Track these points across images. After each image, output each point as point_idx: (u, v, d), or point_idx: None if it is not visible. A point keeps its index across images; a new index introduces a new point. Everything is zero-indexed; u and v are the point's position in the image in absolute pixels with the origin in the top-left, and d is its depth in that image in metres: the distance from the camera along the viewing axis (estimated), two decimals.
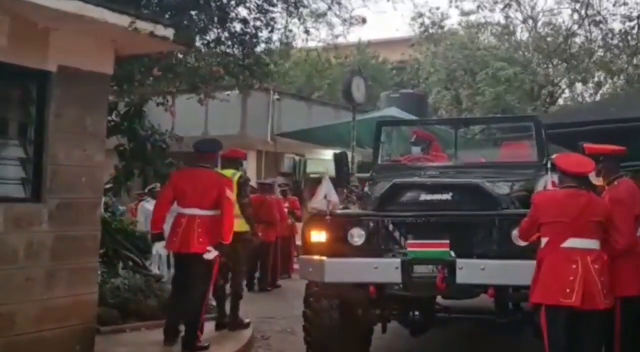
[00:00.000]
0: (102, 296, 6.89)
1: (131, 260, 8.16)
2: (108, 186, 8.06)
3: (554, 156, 5.56)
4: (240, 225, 7.48)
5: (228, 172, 7.78)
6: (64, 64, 5.75)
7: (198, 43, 7.60)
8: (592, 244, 4.69)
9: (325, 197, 5.88)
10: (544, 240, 4.80)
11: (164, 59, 7.44)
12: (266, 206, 11.41)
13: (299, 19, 8.64)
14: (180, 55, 7.90)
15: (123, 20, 5.60)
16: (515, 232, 5.32)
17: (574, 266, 4.58)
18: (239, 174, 7.91)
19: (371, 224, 5.80)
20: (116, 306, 7.32)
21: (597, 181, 5.36)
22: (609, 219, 4.80)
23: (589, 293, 4.53)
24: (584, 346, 4.70)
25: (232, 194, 6.81)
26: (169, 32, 5.91)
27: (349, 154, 11.04)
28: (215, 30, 7.67)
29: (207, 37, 7.68)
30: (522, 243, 5.21)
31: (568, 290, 4.53)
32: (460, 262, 5.36)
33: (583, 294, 4.51)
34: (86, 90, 5.94)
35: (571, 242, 4.66)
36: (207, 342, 6.67)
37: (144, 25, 5.69)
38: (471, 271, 5.34)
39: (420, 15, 23.88)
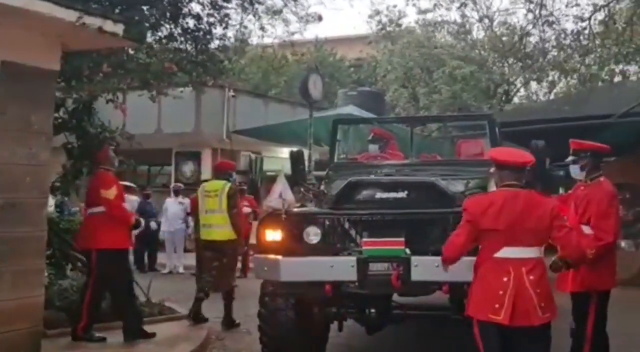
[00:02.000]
0: (49, 299, 6.74)
1: (80, 261, 7.97)
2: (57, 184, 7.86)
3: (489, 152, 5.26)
4: (227, 234, 8.17)
5: (219, 184, 8.39)
6: (8, 59, 5.56)
7: (149, 39, 7.47)
8: (530, 252, 4.24)
9: (281, 195, 5.83)
10: (480, 247, 4.44)
11: (114, 55, 7.29)
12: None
13: (254, 16, 8.59)
14: (131, 51, 7.76)
15: (70, 15, 5.45)
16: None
17: (505, 279, 4.15)
18: (229, 185, 8.37)
19: (327, 223, 5.76)
20: (64, 308, 7.16)
21: (580, 175, 5.41)
22: (555, 223, 4.29)
23: (521, 309, 4.11)
24: None
25: (108, 193, 6.85)
26: (119, 28, 5.78)
27: (306, 152, 10.98)
28: (167, 26, 7.56)
29: (159, 33, 7.56)
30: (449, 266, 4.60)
31: (497, 305, 4.14)
32: (415, 259, 5.36)
33: (513, 309, 4.10)
34: (31, 86, 5.76)
35: (505, 252, 4.21)
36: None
37: (92, 21, 5.56)
38: (426, 268, 5.34)
39: (378, 13, 24.00)
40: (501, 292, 4.13)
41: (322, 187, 6.87)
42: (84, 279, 7.19)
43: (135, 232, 7.25)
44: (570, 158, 5.52)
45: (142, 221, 7.17)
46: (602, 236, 5.10)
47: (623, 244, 12.49)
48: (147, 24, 7.07)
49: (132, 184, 11.79)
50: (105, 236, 6.77)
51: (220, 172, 8.72)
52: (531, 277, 4.16)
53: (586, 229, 5.22)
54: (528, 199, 4.30)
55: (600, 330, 5.15)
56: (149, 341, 6.91)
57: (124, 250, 7.11)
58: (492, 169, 4.54)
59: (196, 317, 8.03)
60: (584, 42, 17.69)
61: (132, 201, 12.39)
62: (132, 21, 6.27)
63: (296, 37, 16.10)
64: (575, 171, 5.46)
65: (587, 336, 5.14)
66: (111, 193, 6.82)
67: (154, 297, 8.55)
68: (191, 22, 7.78)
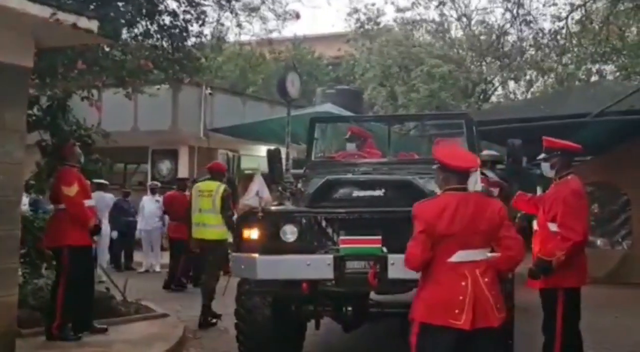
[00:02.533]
0: (24, 298, 6.68)
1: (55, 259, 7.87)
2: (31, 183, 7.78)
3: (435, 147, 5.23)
4: (217, 234, 8.36)
5: (213, 184, 8.52)
6: None
7: (125, 36, 7.41)
8: (481, 254, 4.21)
9: (257, 193, 5.82)
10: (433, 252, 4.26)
11: (89, 52, 7.22)
12: (177, 203, 11.43)
13: (232, 13, 8.54)
14: (106, 48, 7.67)
15: (44, 11, 5.39)
16: None
17: (464, 283, 4.09)
18: (223, 187, 8.49)
19: (304, 221, 5.75)
20: (39, 307, 7.09)
21: (550, 173, 5.45)
22: (504, 223, 4.26)
23: (480, 311, 4.07)
24: None
25: (69, 190, 6.80)
26: (93, 25, 5.72)
27: (284, 150, 10.95)
28: (143, 22, 7.49)
29: (135, 30, 7.50)
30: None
31: (457, 310, 4.05)
32: (392, 257, 5.36)
33: (474, 313, 4.05)
34: (4, 84, 5.68)
35: (459, 256, 4.14)
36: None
37: (66, 17, 5.49)
38: (402, 266, 5.26)
39: (356, 11, 24.08)
40: (461, 298, 4.06)
41: (299, 186, 6.85)
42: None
43: (95, 238, 7.13)
44: (541, 156, 5.57)
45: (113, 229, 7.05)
46: (570, 235, 5.14)
47: (599, 242, 12.63)
48: (122, 21, 7.00)
49: (105, 182, 11.66)
50: (74, 232, 6.73)
51: (214, 173, 8.79)
52: (486, 280, 4.13)
53: (552, 227, 5.27)
54: (478, 201, 4.26)
55: (571, 327, 5.21)
56: (126, 340, 6.87)
57: (88, 246, 7.05)
58: (434, 167, 4.46)
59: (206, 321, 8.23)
60: (561, 42, 17.89)
61: (106, 199, 12.27)
62: (107, 18, 6.22)
63: (274, 35, 16.09)
64: (545, 169, 5.52)
65: (557, 332, 5.19)
66: (72, 190, 6.75)
67: (130, 296, 8.50)
68: (167, 19, 7.73)
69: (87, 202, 6.95)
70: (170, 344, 6.89)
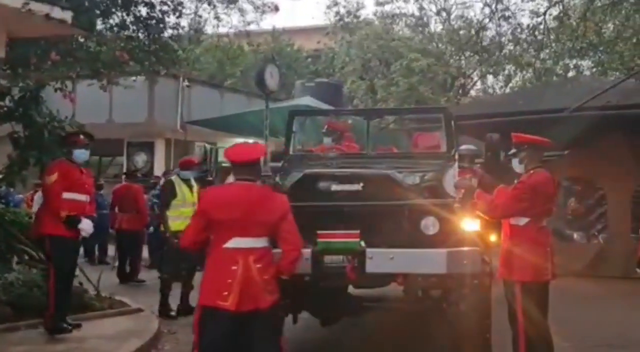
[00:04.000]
0: None
1: (26, 253, 7.76)
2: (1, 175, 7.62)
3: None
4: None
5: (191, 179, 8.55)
6: None
7: (100, 27, 7.28)
8: (258, 242, 4.48)
9: None
10: (211, 238, 4.59)
11: (63, 43, 7.08)
12: (131, 195, 11.35)
13: (209, 5, 8.43)
14: (81, 39, 7.53)
15: (16, 1, 5.29)
16: (424, 222, 5.36)
17: (234, 268, 4.38)
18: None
19: None
20: (10, 302, 6.96)
21: (519, 168, 5.47)
22: (286, 217, 4.52)
23: (249, 294, 4.36)
24: (256, 346, 4.53)
25: (48, 178, 6.71)
26: (67, 15, 5.64)
27: (263, 143, 10.86)
28: (119, 13, 7.36)
29: (110, 21, 7.37)
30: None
31: (225, 293, 4.35)
32: (370, 251, 5.35)
33: (241, 295, 4.33)
34: None
35: (235, 242, 4.43)
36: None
37: (39, 7, 5.40)
38: (381, 260, 5.36)
39: (336, 4, 24.01)
40: (229, 280, 4.35)
41: (277, 179, 6.79)
42: (32, 272, 6.98)
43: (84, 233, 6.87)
44: (511, 151, 5.60)
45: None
46: (494, 209, 5.35)
47: (575, 236, 12.74)
48: (97, 12, 6.88)
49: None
50: (50, 222, 6.61)
51: (191, 168, 8.92)
52: (258, 266, 4.41)
53: (512, 220, 5.33)
54: (261, 193, 4.60)
55: (536, 320, 5.24)
56: (100, 336, 6.75)
57: (69, 238, 6.73)
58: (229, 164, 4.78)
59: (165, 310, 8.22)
60: (539, 37, 18.00)
61: None
62: (81, 8, 6.12)
63: (252, 27, 15.97)
64: (515, 164, 5.55)
65: (519, 326, 5.25)
66: (50, 179, 6.65)
67: (104, 290, 8.39)
68: (144, 10, 7.62)
69: (72, 195, 6.66)
70: (145, 339, 6.78)
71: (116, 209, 11.73)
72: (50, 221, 6.62)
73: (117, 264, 11.73)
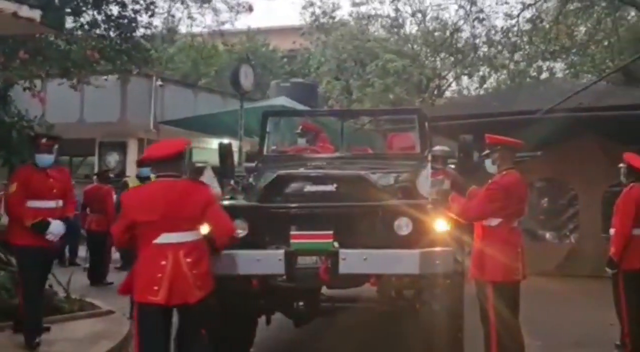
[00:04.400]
0: None
1: None
2: None
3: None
4: None
5: None
6: None
7: (70, 25, 7.16)
8: (188, 236, 4.61)
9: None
10: (140, 235, 4.66)
11: (32, 41, 6.96)
12: (100, 196, 11.28)
13: (182, 4, 8.36)
14: (50, 38, 7.41)
15: None
16: (397, 223, 5.37)
17: (164, 263, 4.49)
18: None
19: (254, 216, 5.67)
20: None
21: (492, 169, 5.51)
22: (210, 208, 4.69)
23: (178, 288, 4.48)
24: (188, 338, 4.72)
25: (10, 187, 6.47)
26: (36, 14, 5.53)
27: (237, 144, 10.82)
28: (89, 12, 7.25)
29: (81, 19, 7.25)
30: None
31: (156, 287, 4.46)
32: (343, 252, 5.34)
33: (171, 290, 4.46)
34: None
35: (164, 238, 4.54)
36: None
37: (7, 5, 5.30)
38: (354, 261, 5.35)
39: (311, 4, 23.98)
40: (159, 275, 4.46)
41: (250, 180, 6.76)
42: (0, 275, 6.84)
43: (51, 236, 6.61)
44: (485, 152, 5.65)
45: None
46: (468, 210, 5.46)
47: (547, 235, 12.85)
48: (68, 10, 6.77)
49: None
50: (15, 232, 6.38)
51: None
52: (188, 260, 4.53)
53: (492, 221, 5.37)
54: (184, 188, 4.70)
55: (508, 320, 5.28)
56: (69, 339, 6.67)
57: (40, 247, 6.38)
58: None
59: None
60: (513, 39, 18.17)
61: None
62: (50, 6, 6.02)
63: (227, 26, 15.87)
64: (488, 165, 5.60)
65: (491, 325, 5.31)
66: (10, 189, 6.40)
67: (75, 292, 8.26)
68: (115, 9, 7.54)
69: (36, 204, 6.30)
70: (116, 342, 6.70)
71: (87, 210, 11.62)
72: (17, 230, 6.35)
73: (87, 265, 11.60)
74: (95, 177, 14.30)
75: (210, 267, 4.79)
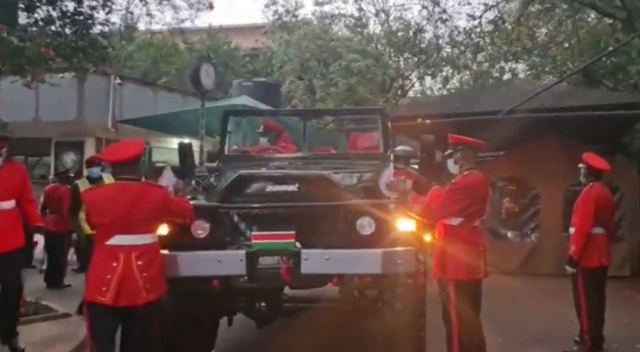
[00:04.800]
0: None
1: None
2: None
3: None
4: None
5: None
6: None
7: (24, 21, 6.95)
8: (141, 239, 4.71)
9: (167, 188, 5.61)
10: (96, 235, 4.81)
11: None
12: (58, 196, 11.15)
13: (141, 1, 8.20)
14: (3, 34, 7.19)
15: None
16: (360, 222, 5.35)
17: (115, 264, 4.59)
18: None
19: (215, 216, 5.62)
20: None
21: (453, 168, 5.52)
22: (170, 207, 4.91)
23: (127, 290, 4.58)
24: (133, 339, 4.80)
25: None
26: None
27: (198, 143, 10.68)
28: (44, 8, 7.05)
29: (35, 16, 7.04)
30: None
31: (104, 288, 4.55)
32: (305, 252, 5.33)
33: (119, 291, 4.55)
34: None
35: (117, 240, 4.64)
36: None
37: None
38: (316, 261, 5.34)
39: (274, 2, 23.80)
40: (109, 276, 4.55)
41: (211, 180, 6.68)
42: None
43: None
44: (447, 152, 5.66)
45: None
46: (432, 212, 5.47)
47: (510, 234, 12.98)
48: (21, 6, 6.57)
49: None
50: None
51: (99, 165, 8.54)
52: (139, 263, 4.63)
53: (454, 221, 5.40)
54: (138, 190, 4.77)
55: (469, 318, 5.31)
56: (25, 343, 6.47)
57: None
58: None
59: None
60: (476, 40, 18.31)
61: None
62: (2, 2, 5.81)
63: (187, 24, 15.68)
64: (450, 165, 5.62)
65: (453, 324, 5.35)
66: None
67: (30, 295, 8.07)
68: (71, 5, 7.35)
69: None
70: (73, 345, 6.60)
71: (47, 211, 11.40)
72: None
73: (44, 267, 11.36)
74: (52, 177, 14.07)
75: (162, 270, 4.87)
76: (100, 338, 4.64)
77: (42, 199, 13.02)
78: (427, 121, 11.23)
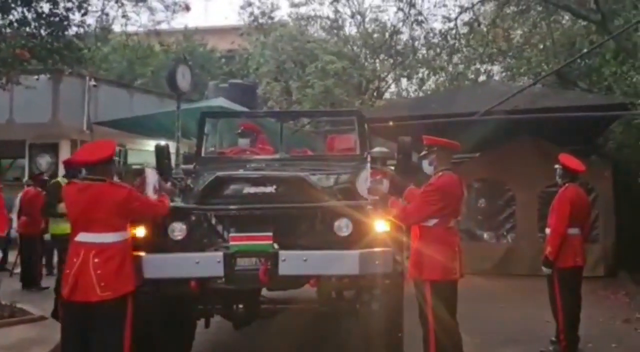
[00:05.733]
0: None
1: None
2: None
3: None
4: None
5: None
6: None
7: None
8: (102, 237, 4.86)
9: (154, 188, 5.61)
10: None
11: None
12: (30, 199, 11.11)
13: (117, 3, 8.14)
14: None
15: None
16: (337, 224, 5.37)
17: (75, 260, 4.79)
18: None
19: (193, 218, 5.63)
20: None
21: (428, 169, 5.55)
22: (132, 206, 4.99)
23: (82, 286, 4.75)
24: (93, 338, 4.88)
25: None
26: None
27: (174, 145, 10.63)
28: (19, 9, 6.96)
29: (10, 17, 6.95)
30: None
31: (65, 283, 4.83)
32: (282, 254, 5.32)
33: (74, 286, 4.75)
34: None
35: (81, 236, 4.85)
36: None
37: None
38: (294, 262, 5.34)
39: (250, 4, 23.78)
40: (68, 271, 4.79)
41: (188, 182, 6.65)
42: None
43: None
44: (422, 153, 5.69)
45: None
46: (407, 215, 5.49)
47: (485, 235, 13.06)
48: None
49: None
50: None
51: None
52: (96, 260, 4.77)
53: (429, 222, 5.41)
54: (98, 190, 4.89)
55: (446, 319, 5.34)
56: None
57: None
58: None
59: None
60: (451, 42, 18.39)
61: None
62: None
63: (163, 26, 15.59)
64: (425, 166, 5.64)
65: (429, 324, 5.36)
66: None
67: (5, 298, 7.99)
68: (46, 7, 7.26)
69: None
70: (49, 348, 6.48)
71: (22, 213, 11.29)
72: None
73: (19, 270, 11.23)
74: (26, 180, 13.90)
75: (126, 269, 4.94)
76: (65, 334, 4.90)
77: (17, 202, 12.97)
78: (391, 123, 11.27)
